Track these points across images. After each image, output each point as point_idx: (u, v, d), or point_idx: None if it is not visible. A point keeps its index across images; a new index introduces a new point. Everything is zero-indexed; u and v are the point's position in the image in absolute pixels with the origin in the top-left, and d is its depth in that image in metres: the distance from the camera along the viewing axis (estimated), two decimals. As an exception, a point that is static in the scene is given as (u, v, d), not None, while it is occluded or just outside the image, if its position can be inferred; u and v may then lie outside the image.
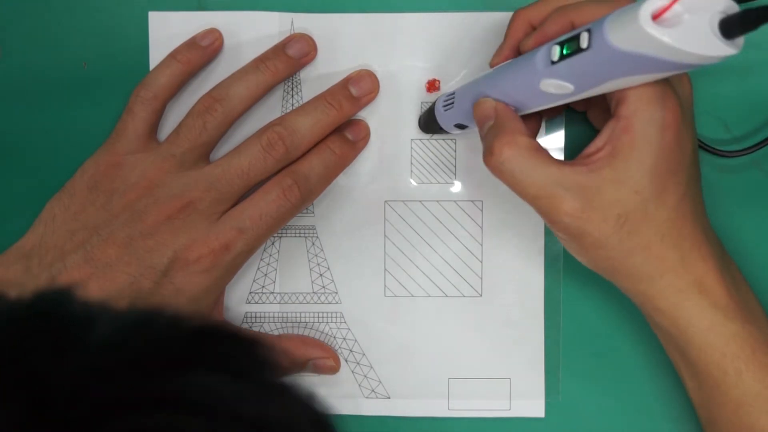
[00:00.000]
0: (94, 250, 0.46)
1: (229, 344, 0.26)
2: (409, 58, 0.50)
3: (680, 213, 0.40)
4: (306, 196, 0.48)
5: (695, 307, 0.41)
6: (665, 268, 0.41)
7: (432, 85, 0.50)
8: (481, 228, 0.51)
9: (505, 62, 0.44)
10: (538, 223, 0.51)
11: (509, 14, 0.50)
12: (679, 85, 0.41)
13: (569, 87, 0.38)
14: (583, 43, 0.36)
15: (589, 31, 0.36)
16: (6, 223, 0.50)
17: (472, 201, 0.51)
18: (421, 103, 0.51)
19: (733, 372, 0.41)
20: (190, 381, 0.24)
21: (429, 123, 0.49)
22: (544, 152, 0.41)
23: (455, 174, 0.51)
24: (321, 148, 0.48)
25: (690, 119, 0.41)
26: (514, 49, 0.44)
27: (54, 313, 0.25)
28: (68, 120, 0.51)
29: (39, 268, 0.46)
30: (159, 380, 0.24)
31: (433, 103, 0.49)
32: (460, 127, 0.47)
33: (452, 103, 0.46)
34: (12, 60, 0.51)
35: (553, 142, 0.50)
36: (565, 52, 0.37)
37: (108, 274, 0.45)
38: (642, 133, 0.39)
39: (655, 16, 0.33)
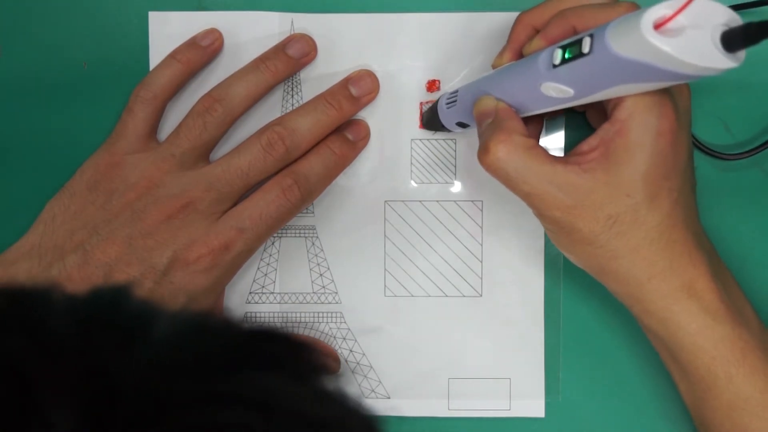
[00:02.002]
0: (93, 250, 0.46)
1: (284, 346, 0.27)
2: (409, 58, 0.50)
3: (672, 219, 0.40)
4: (306, 196, 0.48)
5: (684, 311, 0.41)
6: (653, 272, 0.41)
7: (432, 85, 0.51)
8: (481, 228, 0.51)
9: (508, 64, 0.44)
10: (538, 224, 0.51)
11: (509, 14, 0.50)
12: (678, 93, 0.41)
13: (569, 91, 0.38)
14: (585, 48, 0.36)
15: (591, 36, 0.36)
16: (6, 223, 0.50)
17: (472, 201, 0.51)
18: (421, 103, 0.51)
19: (724, 375, 0.41)
20: (250, 379, 0.24)
21: (431, 120, 0.49)
22: (539, 150, 0.41)
23: (455, 174, 0.51)
24: (321, 148, 0.48)
25: (687, 127, 0.41)
26: (516, 51, 0.44)
27: (115, 309, 0.25)
28: (68, 120, 0.51)
29: (39, 268, 0.46)
30: (220, 378, 0.24)
31: (437, 101, 0.49)
32: (462, 125, 0.47)
33: (455, 101, 0.46)
34: (12, 60, 0.51)
35: (553, 142, 0.50)
36: (566, 56, 0.38)
37: (108, 273, 0.45)
38: (636, 138, 0.39)
39: (658, 26, 0.33)
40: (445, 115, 0.48)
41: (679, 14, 0.33)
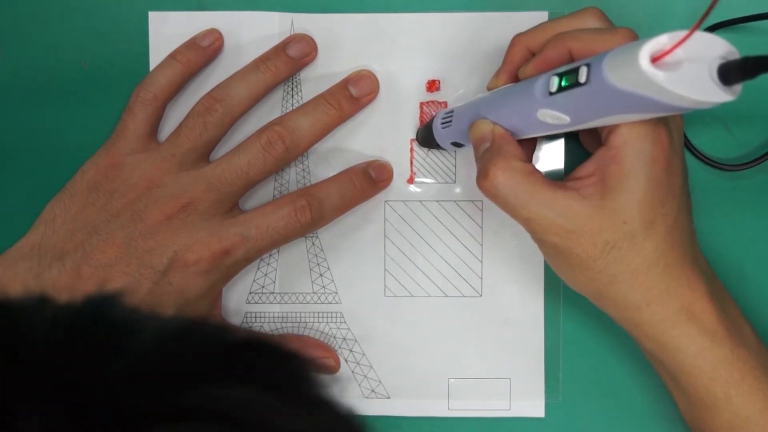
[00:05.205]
0: (93, 251, 0.46)
1: (267, 357, 0.27)
2: (409, 58, 0.50)
3: (668, 243, 0.40)
4: (317, 219, 0.48)
5: (683, 334, 0.41)
6: (651, 297, 0.41)
7: (432, 85, 0.51)
8: (481, 228, 0.51)
9: (503, 86, 0.44)
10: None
11: (509, 14, 0.50)
12: (671, 116, 0.40)
13: (565, 119, 0.38)
14: (582, 78, 0.36)
15: (588, 65, 0.36)
16: (6, 223, 0.50)
17: (472, 201, 0.51)
18: (421, 103, 0.51)
19: (723, 396, 0.42)
20: (222, 392, 0.24)
21: (426, 138, 0.49)
22: (538, 175, 0.41)
23: (455, 174, 0.51)
24: (342, 178, 0.49)
25: (680, 150, 0.41)
26: (511, 73, 0.44)
27: (98, 320, 0.25)
28: (68, 120, 0.51)
29: (39, 269, 0.46)
30: (191, 391, 0.24)
31: (432, 119, 0.49)
32: (457, 145, 0.47)
33: (450, 121, 0.46)
34: (12, 60, 0.51)
35: (552, 163, 0.50)
36: (563, 84, 0.37)
37: (108, 274, 0.45)
38: (631, 165, 0.39)
39: (655, 59, 0.33)
40: (440, 135, 0.47)
41: (677, 48, 0.33)
